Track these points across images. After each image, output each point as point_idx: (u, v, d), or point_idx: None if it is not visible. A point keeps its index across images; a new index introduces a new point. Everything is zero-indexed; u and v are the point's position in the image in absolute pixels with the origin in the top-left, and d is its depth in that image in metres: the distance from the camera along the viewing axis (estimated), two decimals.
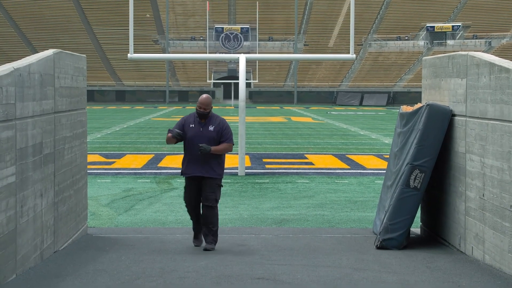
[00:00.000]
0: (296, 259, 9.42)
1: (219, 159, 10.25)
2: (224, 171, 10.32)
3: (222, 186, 10.32)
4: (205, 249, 10.05)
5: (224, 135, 10.22)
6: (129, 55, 19.67)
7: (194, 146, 10.09)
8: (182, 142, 10.32)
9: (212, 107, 10.25)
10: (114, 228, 12.29)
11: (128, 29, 19.60)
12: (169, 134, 10.20)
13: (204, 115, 10.18)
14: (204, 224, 10.21)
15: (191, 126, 10.21)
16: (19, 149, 7.96)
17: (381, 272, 8.68)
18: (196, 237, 10.49)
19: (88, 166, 11.69)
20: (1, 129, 7.40)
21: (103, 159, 23.38)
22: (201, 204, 10.31)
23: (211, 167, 10.15)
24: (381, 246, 10.04)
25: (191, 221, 13.15)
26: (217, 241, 10.22)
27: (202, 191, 10.19)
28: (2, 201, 7.46)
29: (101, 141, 30.74)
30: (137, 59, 20.81)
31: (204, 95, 10.25)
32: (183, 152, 10.38)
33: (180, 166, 10.52)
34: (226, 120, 10.48)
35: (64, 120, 9.84)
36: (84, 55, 11.26)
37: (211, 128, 10.17)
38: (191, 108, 72.34)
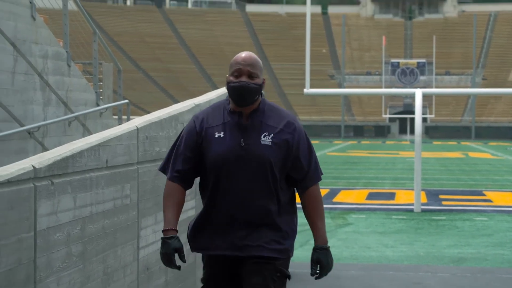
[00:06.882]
0: None
1: (287, 212, 4.58)
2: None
3: (289, 276, 4.82)
4: None
5: (302, 161, 4.67)
6: (305, 90, 19.85)
7: (231, 185, 4.37)
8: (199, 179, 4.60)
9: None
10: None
11: (305, 65, 19.81)
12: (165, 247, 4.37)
13: (250, 91, 4.35)
14: None
15: (216, 136, 4.40)
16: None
17: None
18: None
19: None
20: None
21: None
22: None
23: (265, 233, 4.46)
24: None
25: (367, 257, 13.08)
26: None
27: (244, 285, 4.55)
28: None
29: None
30: (313, 94, 20.96)
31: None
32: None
33: None
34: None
35: None
36: None
37: (266, 137, 4.41)
38: (366, 143, 71.79)
